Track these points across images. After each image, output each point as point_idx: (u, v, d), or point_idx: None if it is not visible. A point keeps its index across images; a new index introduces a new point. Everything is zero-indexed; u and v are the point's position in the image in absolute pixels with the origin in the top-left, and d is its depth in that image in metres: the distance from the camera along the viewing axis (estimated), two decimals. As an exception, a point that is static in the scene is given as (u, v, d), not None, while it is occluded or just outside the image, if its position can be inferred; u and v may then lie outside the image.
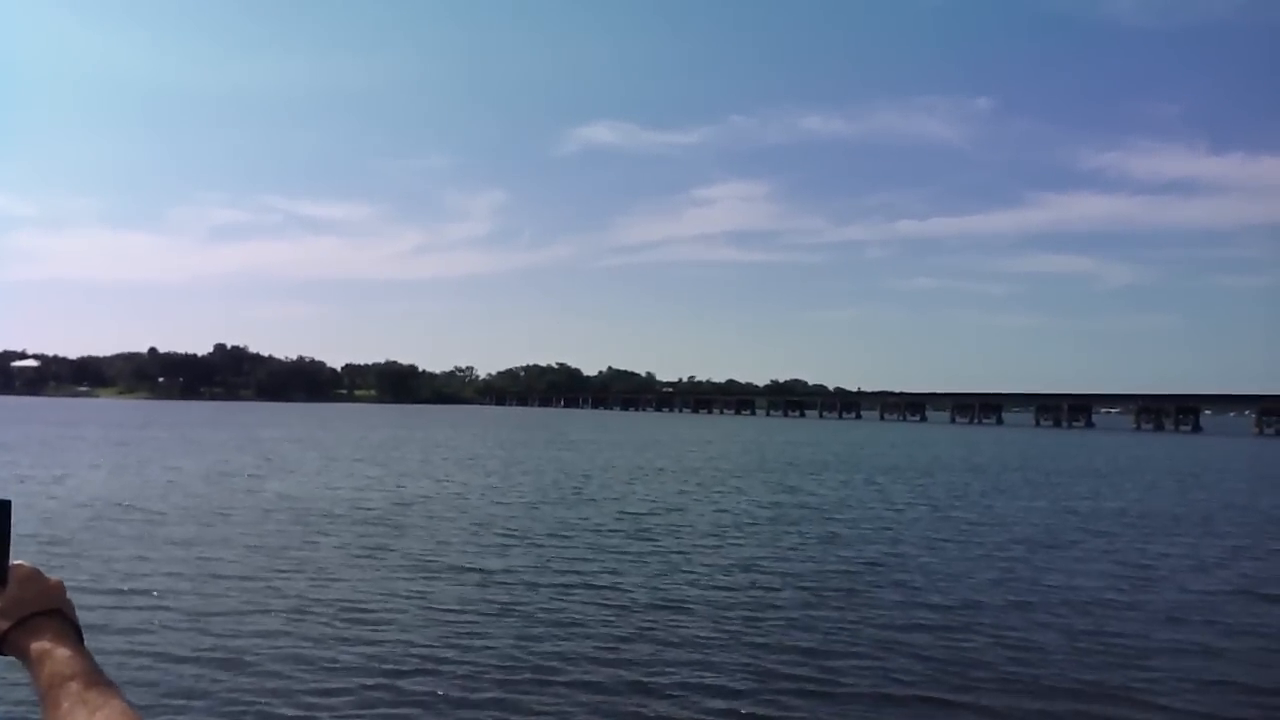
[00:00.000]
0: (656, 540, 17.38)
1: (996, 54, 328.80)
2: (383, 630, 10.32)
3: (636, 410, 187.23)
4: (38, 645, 1.05)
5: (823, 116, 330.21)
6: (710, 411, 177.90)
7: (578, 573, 13.92)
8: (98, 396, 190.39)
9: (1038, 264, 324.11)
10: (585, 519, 20.14)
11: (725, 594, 12.71)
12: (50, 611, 1.10)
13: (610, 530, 18.52)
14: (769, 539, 17.94)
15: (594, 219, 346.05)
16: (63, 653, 1.04)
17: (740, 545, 17.03)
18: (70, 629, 1.10)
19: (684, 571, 14.28)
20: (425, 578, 13.27)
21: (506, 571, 13.83)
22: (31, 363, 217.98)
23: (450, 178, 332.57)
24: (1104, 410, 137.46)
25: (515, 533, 17.86)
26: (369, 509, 20.81)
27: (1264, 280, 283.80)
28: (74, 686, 1.00)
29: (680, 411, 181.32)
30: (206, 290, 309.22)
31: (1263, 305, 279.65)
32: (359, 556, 14.85)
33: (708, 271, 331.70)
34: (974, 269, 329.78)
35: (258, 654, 9.24)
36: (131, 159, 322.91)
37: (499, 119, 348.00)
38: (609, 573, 13.99)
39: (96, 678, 1.02)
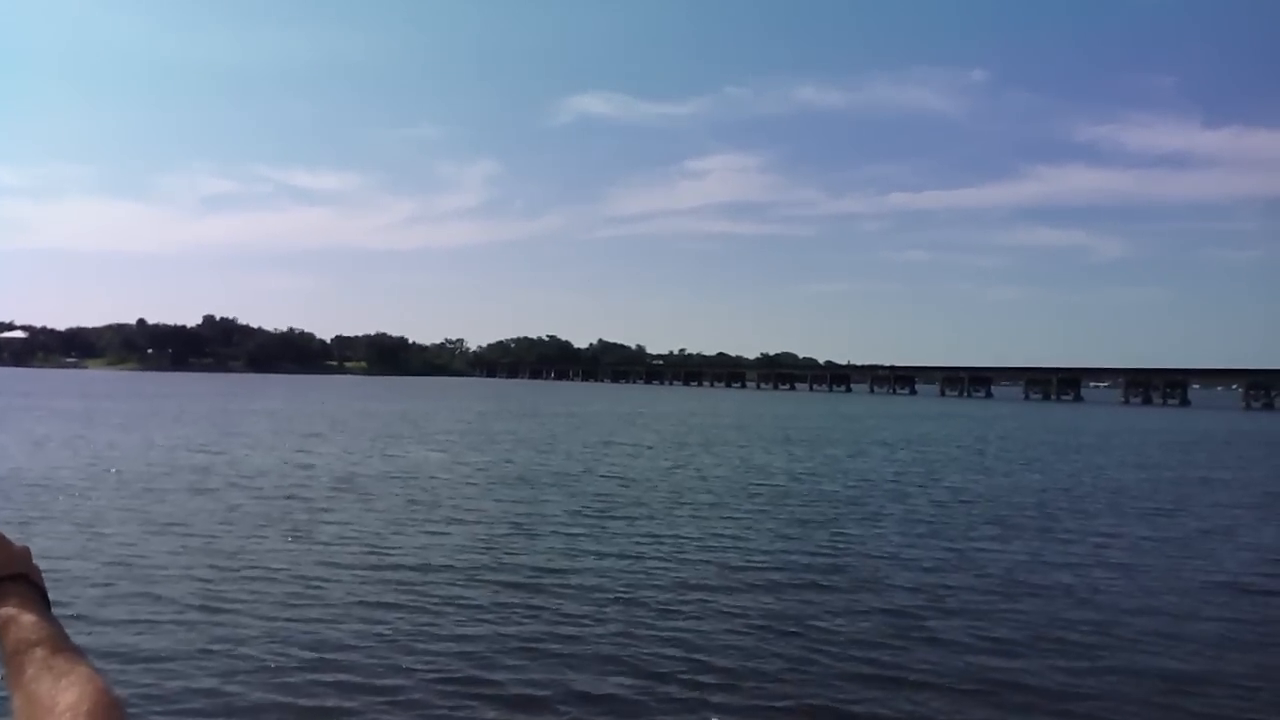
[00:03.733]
0: (596, 522, 16.52)
1: (992, 26, 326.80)
2: (263, 621, 9.47)
3: (627, 382, 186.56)
4: (3, 611, 1.04)
5: (817, 88, 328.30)
6: (700, 384, 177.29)
7: (497, 556, 13.05)
8: (86, 367, 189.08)
9: (1030, 237, 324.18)
10: (523, 498, 19.30)
11: (640, 581, 11.84)
12: (15, 576, 1.08)
13: (549, 513, 17.65)
14: (716, 522, 17.08)
15: (586, 190, 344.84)
16: (28, 618, 1.03)
17: (682, 527, 16.13)
18: (37, 594, 1.09)
19: (624, 556, 13.39)
20: (324, 562, 12.35)
21: (416, 555, 12.94)
22: (19, 334, 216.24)
23: (442, 148, 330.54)
24: (1093, 384, 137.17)
25: (442, 513, 16.98)
26: (298, 484, 19.92)
27: (1256, 254, 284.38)
28: (40, 652, 0.99)
29: (670, 384, 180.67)
30: (196, 261, 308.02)
31: (1254, 279, 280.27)
32: (268, 536, 13.93)
33: (700, 244, 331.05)
34: (967, 242, 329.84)
35: (137, 645, 8.41)
36: (121, 129, 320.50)
37: (492, 89, 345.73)
38: (516, 553, 13.13)
39: (63, 644, 1.01)
